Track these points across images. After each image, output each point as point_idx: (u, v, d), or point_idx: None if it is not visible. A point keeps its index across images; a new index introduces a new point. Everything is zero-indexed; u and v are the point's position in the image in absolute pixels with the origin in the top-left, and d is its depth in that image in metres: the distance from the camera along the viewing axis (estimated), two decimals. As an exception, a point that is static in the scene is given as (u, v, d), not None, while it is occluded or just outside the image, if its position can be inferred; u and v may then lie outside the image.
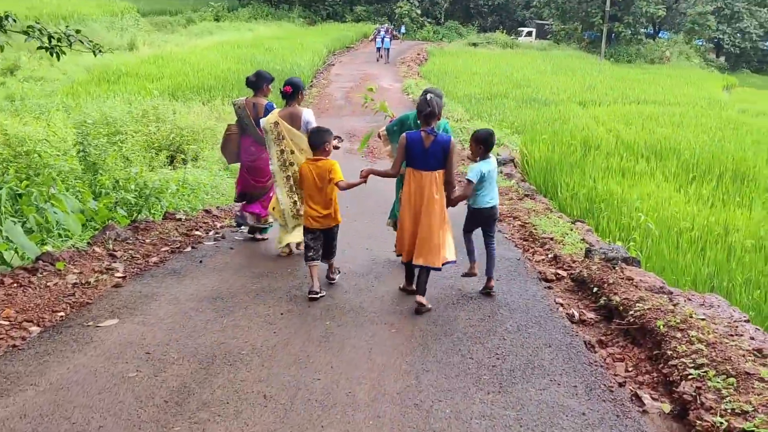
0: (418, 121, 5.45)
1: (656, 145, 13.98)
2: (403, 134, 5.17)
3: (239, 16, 50.45)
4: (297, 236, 6.33)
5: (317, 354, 4.23)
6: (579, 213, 9.78)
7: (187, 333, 4.49)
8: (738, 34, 57.90)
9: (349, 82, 27.03)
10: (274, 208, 6.45)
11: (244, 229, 7.33)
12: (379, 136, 6.50)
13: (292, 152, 6.15)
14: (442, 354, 4.34)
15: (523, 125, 19.32)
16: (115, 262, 5.95)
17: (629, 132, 18.64)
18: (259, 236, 7.17)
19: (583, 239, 7.50)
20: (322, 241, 5.50)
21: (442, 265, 5.17)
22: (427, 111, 5.05)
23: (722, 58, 60.87)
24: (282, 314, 4.90)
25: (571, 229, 8.04)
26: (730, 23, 57.69)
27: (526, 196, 10.41)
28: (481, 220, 5.66)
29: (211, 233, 7.38)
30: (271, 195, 6.77)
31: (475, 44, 49.12)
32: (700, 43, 58.47)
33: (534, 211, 9.18)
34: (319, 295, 5.35)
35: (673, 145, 14.07)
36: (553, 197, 10.88)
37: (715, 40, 59.82)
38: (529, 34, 58.62)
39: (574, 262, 6.51)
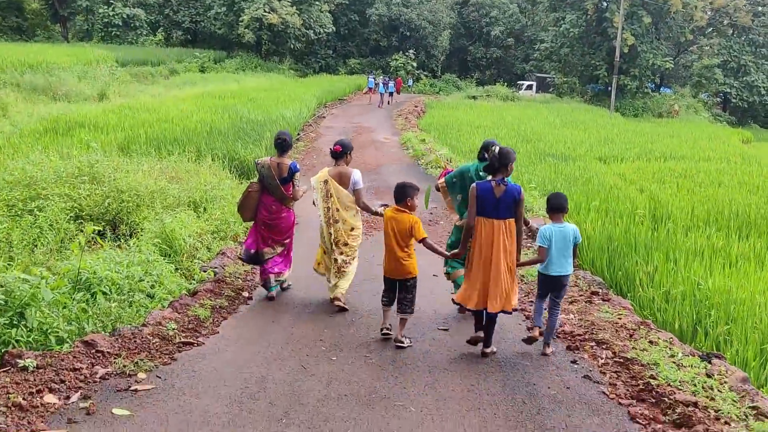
0: (480, 173, 5.99)
1: (745, 214, 10.73)
2: (473, 185, 5.35)
3: (226, 67, 47.82)
4: (338, 290, 6.55)
5: None
6: (683, 329, 6.44)
7: None
8: (745, 88, 55.82)
9: (341, 135, 24.01)
10: (319, 264, 6.83)
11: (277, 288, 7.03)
12: (438, 189, 6.72)
13: (338, 210, 6.53)
14: None
15: (542, 183, 16.39)
16: None
17: (665, 192, 15.67)
18: (273, 293, 6.92)
19: (757, 409, 4.13)
20: (396, 290, 5.64)
21: (512, 310, 5.34)
22: (491, 162, 5.27)
23: (726, 112, 58.73)
24: None
25: (710, 376, 4.71)
26: (737, 77, 55.67)
27: (594, 294, 7.10)
28: (548, 286, 5.56)
29: (73, 399, 4.00)
30: (289, 257, 7.10)
31: (474, 97, 46.89)
32: (705, 97, 56.36)
33: (623, 327, 5.85)
34: (391, 335, 5.62)
35: (763, 213, 10.83)
36: (628, 292, 7.57)
37: (722, 95, 57.72)
38: (530, 87, 56.53)
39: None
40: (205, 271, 7.44)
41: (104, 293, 6.21)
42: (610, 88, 47.96)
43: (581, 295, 7.07)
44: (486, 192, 5.20)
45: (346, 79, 48.25)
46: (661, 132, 33.14)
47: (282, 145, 6.86)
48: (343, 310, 6.46)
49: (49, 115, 20.81)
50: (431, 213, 11.84)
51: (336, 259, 6.51)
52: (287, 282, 7.18)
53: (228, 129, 18.84)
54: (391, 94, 39.41)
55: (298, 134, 23.56)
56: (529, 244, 9.85)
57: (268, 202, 6.85)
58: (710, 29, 56.30)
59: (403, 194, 5.50)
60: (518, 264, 5.43)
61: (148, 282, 7.10)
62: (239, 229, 10.36)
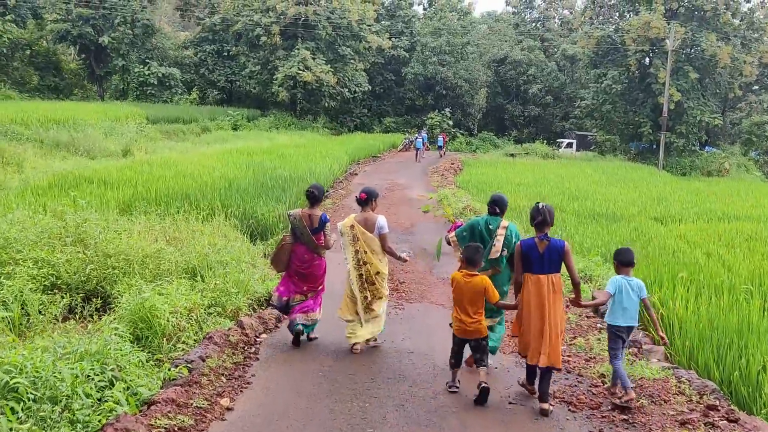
0: (489, 226, 6.30)
1: None
2: (518, 243, 5.62)
3: (259, 125, 47.12)
4: (369, 331, 7.01)
5: None
6: None
7: None
8: (797, 147, 53.06)
9: (372, 193, 22.33)
10: (343, 310, 7.12)
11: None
12: (449, 242, 6.70)
13: (365, 252, 6.97)
14: None
15: (595, 245, 14.53)
16: None
17: (737, 257, 13.58)
18: (312, 336, 7.31)
19: None
20: (464, 350, 5.85)
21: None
22: (539, 219, 5.46)
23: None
24: None
25: None
26: (789, 134, 53.02)
27: (712, 409, 5.04)
28: (621, 339, 5.59)
29: None
30: (318, 299, 7.32)
31: (512, 155, 45.33)
32: (755, 155, 53.74)
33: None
34: (458, 390, 5.82)
35: None
36: (753, 404, 5.48)
37: (772, 152, 55.02)
38: (570, 145, 54.83)
39: None
40: (176, 367, 5.58)
41: (14, 404, 4.40)
42: (654, 146, 45.86)
43: (694, 410, 5.01)
44: (530, 249, 5.46)
45: (381, 137, 47.05)
46: (717, 191, 30.85)
47: (312, 197, 7.24)
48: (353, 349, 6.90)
49: (62, 171, 19.64)
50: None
51: (366, 297, 6.93)
52: (315, 332, 7.33)
53: (249, 185, 17.30)
54: (440, 147, 41.93)
55: (328, 191, 22.01)
56: (590, 316, 7.86)
57: (300, 252, 7.19)
58: (757, 86, 54.20)
59: (480, 257, 5.68)
60: (584, 305, 5.86)
61: (99, 382, 5.29)
62: (242, 302, 8.56)
